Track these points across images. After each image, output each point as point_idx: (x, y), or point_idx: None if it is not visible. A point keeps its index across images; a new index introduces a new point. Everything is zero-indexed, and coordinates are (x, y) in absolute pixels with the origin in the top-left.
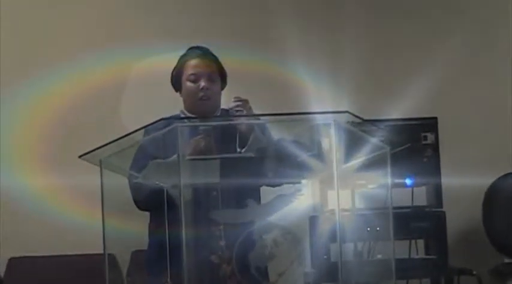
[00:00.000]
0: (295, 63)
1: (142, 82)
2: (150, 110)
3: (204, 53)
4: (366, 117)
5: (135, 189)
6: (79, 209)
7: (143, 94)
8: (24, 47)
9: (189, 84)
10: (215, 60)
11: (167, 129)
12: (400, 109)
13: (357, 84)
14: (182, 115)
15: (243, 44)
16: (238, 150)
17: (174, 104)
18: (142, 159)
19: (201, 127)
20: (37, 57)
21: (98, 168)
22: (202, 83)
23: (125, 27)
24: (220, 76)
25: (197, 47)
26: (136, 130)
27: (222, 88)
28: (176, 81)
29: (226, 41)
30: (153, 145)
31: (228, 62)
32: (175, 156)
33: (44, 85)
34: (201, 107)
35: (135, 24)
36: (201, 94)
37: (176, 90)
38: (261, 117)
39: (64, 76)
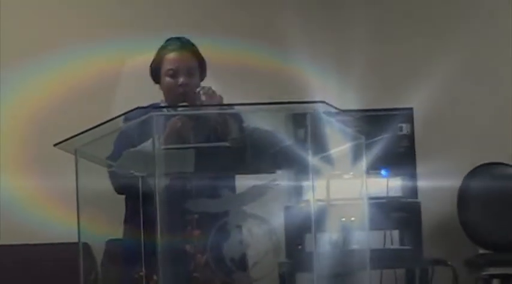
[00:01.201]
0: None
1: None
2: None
3: (183, 45)
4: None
5: (112, 177)
6: (54, 199)
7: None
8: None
9: (167, 79)
10: (194, 51)
11: (143, 117)
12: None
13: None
14: (161, 104)
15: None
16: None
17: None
18: (120, 146)
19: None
20: (11, 56)
21: (73, 157)
22: (181, 79)
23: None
24: (199, 68)
25: (176, 38)
26: (112, 119)
27: (202, 79)
28: (155, 75)
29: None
30: (130, 134)
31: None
32: (147, 143)
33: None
34: (180, 103)
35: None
36: (180, 90)
37: (155, 82)
38: (238, 107)
39: (42, 74)
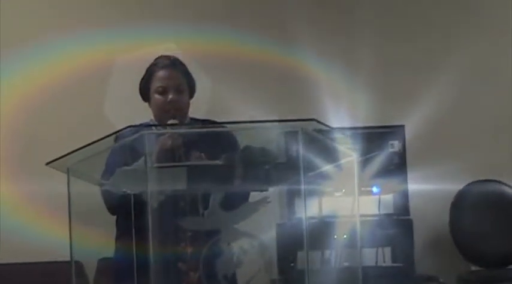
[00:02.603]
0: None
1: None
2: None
3: (172, 63)
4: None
5: (104, 196)
6: (46, 216)
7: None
8: None
9: (157, 96)
10: (183, 70)
11: (134, 136)
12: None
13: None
14: (151, 123)
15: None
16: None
17: None
18: (112, 164)
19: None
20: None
21: (65, 175)
22: (170, 96)
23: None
24: (188, 86)
25: (165, 57)
26: (104, 137)
27: (191, 97)
28: (144, 92)
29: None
30: (122, 152)
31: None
32: (139, 162)
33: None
34: (169, 120)
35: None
36: (169, 107)
37: (145, 101)
38: (229, 125)
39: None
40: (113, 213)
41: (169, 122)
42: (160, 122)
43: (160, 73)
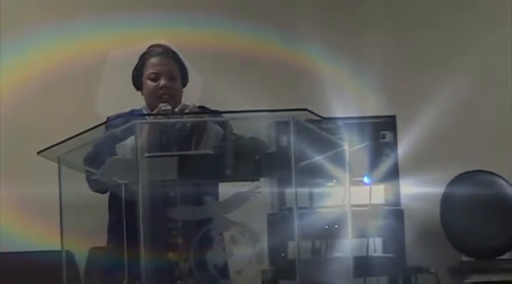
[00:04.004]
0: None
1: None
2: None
3: (165, 50)
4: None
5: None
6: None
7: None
8: None
9: (149, 82)
10: (176, 57)
11: (125, 125)
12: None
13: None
14: (144, 111)
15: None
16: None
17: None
18: (100, 148)
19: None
20: None
21: (56, 165)
22: (162, 82)
23: None
24: (181, 73)
25: (158, 45)
26: (95, 127)
27: (184, 85)
28: (137, 80)
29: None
30: (113, 141)
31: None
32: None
33: None
34: (162, 105)
35: None
36: (161, 92)
37: (137, 89)
38: (220, 115)
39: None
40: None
41: (161, 106)
42: (153, 109)
43: (153, 60)
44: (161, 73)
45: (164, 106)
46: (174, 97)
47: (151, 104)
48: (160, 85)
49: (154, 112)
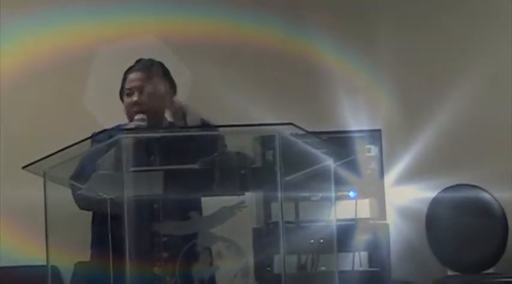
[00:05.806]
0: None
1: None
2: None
3: (143, 65)
4: None
5: (79, 199)
6: (21, 220)
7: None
8: None
9: (125, 98)
10: (156, 72)
11: (110, 140)
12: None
13: None
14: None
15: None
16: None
17: None
18: (85, 164)
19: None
20: None
21: (41, 179)
22: (134, 98)
23: None
24: (164, 86)
25: (140, 60)
26: (81, 141)
27: (171, 97)
28: (121, 96)
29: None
30: (97, 156)
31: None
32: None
33: None
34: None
35: None
36: (134, 108)
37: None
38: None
39: None
40: (83, 209)
41: (136, 118)
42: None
43: (130, 76)
44: (135, 89)
45: (137, 121)
46: (148, 112)
47: (128, 119)
48: (132, 101)
49: (129, 126)
